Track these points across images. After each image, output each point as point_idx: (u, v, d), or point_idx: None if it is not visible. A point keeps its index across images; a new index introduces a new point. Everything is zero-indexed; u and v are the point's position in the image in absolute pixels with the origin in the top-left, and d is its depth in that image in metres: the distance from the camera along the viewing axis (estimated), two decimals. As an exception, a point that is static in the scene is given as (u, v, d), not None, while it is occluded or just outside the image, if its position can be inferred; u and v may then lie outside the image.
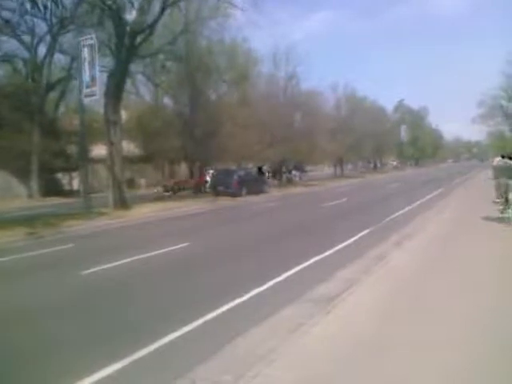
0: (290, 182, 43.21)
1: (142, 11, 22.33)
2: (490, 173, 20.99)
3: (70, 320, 6.21)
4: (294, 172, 47.55)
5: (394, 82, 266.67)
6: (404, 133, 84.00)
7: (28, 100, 32.35)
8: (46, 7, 25.81)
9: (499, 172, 14.98)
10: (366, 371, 3.92)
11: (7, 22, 27.01)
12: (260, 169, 41.47)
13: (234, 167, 36.94)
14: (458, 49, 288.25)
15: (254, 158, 41.66)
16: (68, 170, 37.57)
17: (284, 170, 44.51)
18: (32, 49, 32.95)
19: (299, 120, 42.40)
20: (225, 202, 25.82)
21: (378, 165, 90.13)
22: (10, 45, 31.08)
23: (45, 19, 29.30)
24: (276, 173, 43.91)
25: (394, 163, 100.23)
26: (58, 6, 24.40)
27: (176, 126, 32.23)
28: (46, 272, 9.50)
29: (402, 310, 5.52)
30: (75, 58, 23.77)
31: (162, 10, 23.01)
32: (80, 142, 22.18)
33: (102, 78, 22.59)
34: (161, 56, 31.42)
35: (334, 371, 3.95)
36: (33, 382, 4.50)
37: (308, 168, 62.05)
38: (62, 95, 37.03)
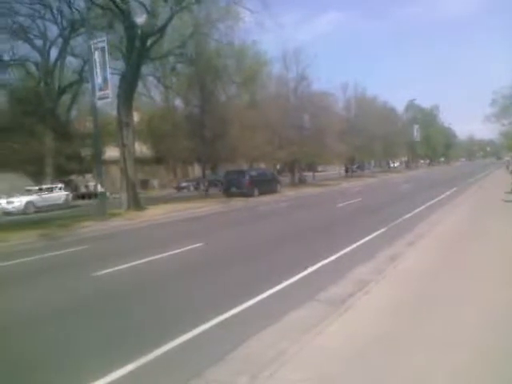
0: (302, 181, 43.15)
1: (152, 14, 22.46)
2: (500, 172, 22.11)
3: (84, 320, 6.24)
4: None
5: (405, 83, 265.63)
6: (417, 132, 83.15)
7: (41, 103, 32.65)
8: (58, 10, 26.09)
9: None
10: (379, 371, 3.88)
11: (20, 26, 27.29)
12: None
13: (245, 167, 36.99)
14: (469, 49, 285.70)
15: (265, 159, 41.69)
16: (82, 172, 37.95)
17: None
18: (44, 52, 33.24)
19: (309, 121, 42.27)
20: (237, 202, 25.82)
21: (392, 164, 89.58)
22: (23, 49, 31.45)
23: (56, 23, 29.54)
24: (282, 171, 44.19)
25: (396, 164, 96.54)
26: (71, 10, 24.60)
27: (186, 128, 32.36)
28: (61, 273, 9.59)
29: (418, 308, 5.46)
30: (87, 60, 23.94)
31: (173, 13, 23.10)
32: (94, 144, 22.37)
33: (114, 80, 22.79)
34: (171, 58, 31.57)
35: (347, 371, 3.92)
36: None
37: (320, 168, 62.14)
38: (74, 98, 37.36)
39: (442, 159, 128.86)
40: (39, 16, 26.63)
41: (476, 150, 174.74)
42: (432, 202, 19.66)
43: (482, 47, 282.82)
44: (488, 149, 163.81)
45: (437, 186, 30.76)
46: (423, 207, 17.81)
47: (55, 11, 26.41)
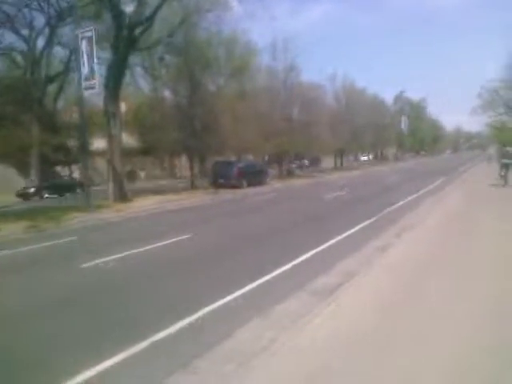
0: (290, 173, 43.25)
1: (140, 3, 22.22)
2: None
3: (71, 313, 6.24)
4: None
5: (394, 75, 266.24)
6: (404, 124, 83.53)
7: (27, 93, 32.25)
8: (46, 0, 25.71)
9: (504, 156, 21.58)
10: (367, 362, 3.96)
11: (6, 15, 26.87)
12: None
13: (233, 159, 36.98)
14: (459, 41, 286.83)
15: (254, 151, 41.66)
16: (68, 163, 37.63)
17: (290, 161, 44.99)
18: (30, 42, 32.80)
19: (298, 112, 42.32)
20: (226, 193, 25.82)
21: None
22: (9, 38, 31.00)
23: (43, 12, 29.11)
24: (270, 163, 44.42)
25: (365, 158, 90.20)
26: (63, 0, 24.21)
27: (175, 119, 32.16)
28: (49, 265, 9.58)
29: (408, 301, 5.54)
30: (74, 50, 23.66)
31: (162, 0, 22.84)
32: (80, 135, 22.17)
33: (101, 70, 22.59)
34: (159, 48, 31.28)
35: (336, 362, 3.99)
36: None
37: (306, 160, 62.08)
38: (61, 88, 36.94)
39: (423, 152, 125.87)
40: (26, 5, 26.21)
41: (462, 142, 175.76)
42: (420, 193, 19.88)
43: (474, 38, 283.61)
44: (474, 141, 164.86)
45: (423, 177, 30.97)
46: (410, 198, 17.99)
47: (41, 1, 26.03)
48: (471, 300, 5.42)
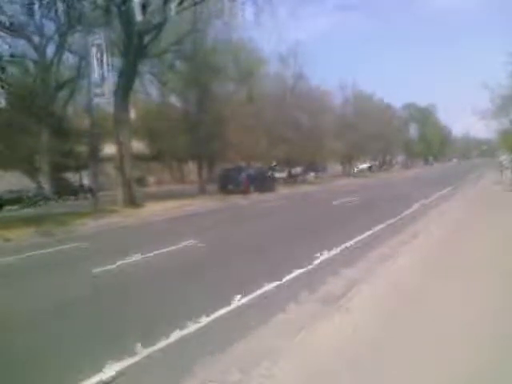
0: (295, 181, 43.45)
1: (149, 11, 22.39)
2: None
3: (79, 318, 6.24)
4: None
5: (402, 81, 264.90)
6: (413, 131, 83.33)
7: (37, 100, 32.55)
8: (55, 8, 25.92)
9: None
10: (371, 371, 3.95)
11: (17, 22, 27.11)
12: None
13: (242, 165, 37.12)
14: (468, 45, 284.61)
15: (261, 157, 41.81)
16: (78, 169, 37.93)
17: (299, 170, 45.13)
18: (41, 48, 33.15)
19: (306, 119, 42.46)
20: (234, 199, 25.92)
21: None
22: (19, 45, 31.29)
23: (53, 19, 29.38)
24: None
25: (365, 165, 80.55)
26: (72, 8, 24.39)
27: (183, 125, 32.36)
28: (60, 270, 9.63)
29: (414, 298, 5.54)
30: (84, 57, 23.90)
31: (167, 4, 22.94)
32: (90, 141, 22.39)
33: (110, 77, 22.75)
34: (169, 55, 31.50)
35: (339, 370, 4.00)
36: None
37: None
38: (71, 95, 37.23)
39: (432, 159, 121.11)
40: (39, 12, 26.41)
41: (470, 150, 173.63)
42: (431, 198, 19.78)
43: (483, 42, 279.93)
44: (485, 147, 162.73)
45: (434, 185, 30.76)
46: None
47: (57, 7, 26.20)
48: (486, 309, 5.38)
